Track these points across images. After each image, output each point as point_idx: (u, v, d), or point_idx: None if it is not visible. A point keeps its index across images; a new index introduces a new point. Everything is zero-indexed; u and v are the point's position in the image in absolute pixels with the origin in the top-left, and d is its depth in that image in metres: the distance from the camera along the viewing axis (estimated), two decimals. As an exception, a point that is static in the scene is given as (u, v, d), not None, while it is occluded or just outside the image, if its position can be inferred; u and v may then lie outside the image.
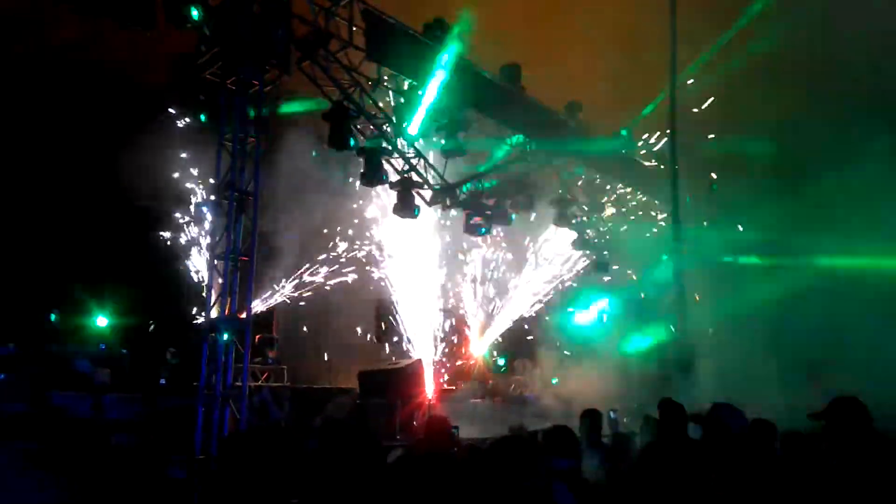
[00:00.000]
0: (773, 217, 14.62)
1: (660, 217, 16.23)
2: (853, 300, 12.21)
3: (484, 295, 17.42)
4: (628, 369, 14.70)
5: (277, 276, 14.58)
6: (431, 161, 12.11)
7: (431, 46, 10.99)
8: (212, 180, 10.02)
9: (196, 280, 13.69)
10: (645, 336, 15.48)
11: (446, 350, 16.61)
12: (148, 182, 13.14)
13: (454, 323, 16.98)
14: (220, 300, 9.15)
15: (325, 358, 15.62)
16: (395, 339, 16.08)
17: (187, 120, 12.47)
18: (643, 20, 14.70)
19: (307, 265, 15.11)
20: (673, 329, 12.32)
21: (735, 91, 14.80)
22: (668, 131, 12.76)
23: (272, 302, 14.52)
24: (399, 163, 11.45)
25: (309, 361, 15.21)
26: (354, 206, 15.12)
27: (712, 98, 13.57)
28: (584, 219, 14.82)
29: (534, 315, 17.53)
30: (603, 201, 15.55)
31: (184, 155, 13.42)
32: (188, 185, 13.87)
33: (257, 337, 12.70)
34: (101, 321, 13.33)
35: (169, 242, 13.81)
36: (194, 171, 13.77)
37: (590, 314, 17.96)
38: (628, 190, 16.13)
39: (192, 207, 13.87)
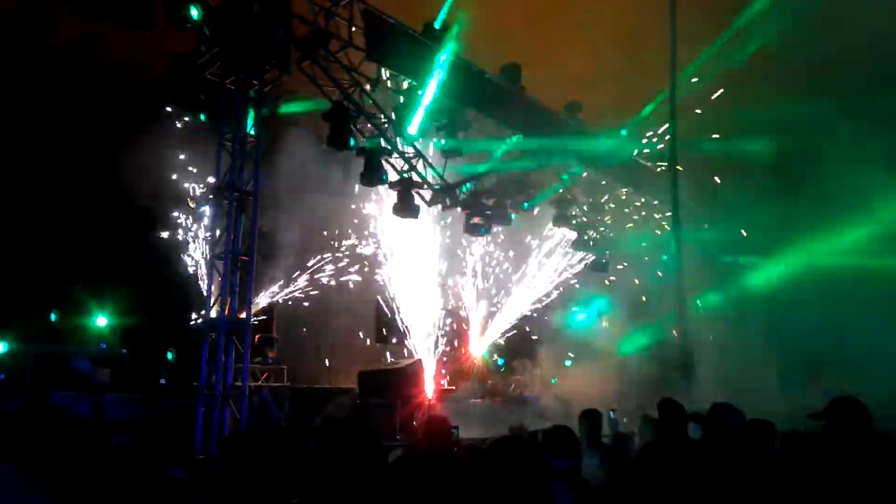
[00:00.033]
0: (773, 217, 14.62)
1: (660, 217, 16.22)
2: (853, 300, 12.21)
3: (484, 294, 17.42)
4: (628, 369, 14.71)
5: (277, 276, 14.57)
6: (431, 161, 12.11)
7: (431, 46, 10.99)
8: (212, 179, 10.01)
9: (196, 280, 13.69)
10: (643, 337, 15.50)
11: (446, 350, 16.61)
12: (148, 182, 13.14)
13: (454, 323, 16.98)
14: (220, 300, 9.15)
15: (325, 358, 15.63)
16: (395, 339, 16.09)
17: (187, 120, 12.46)
18: (643, 20, 14.70)
19: (307, 265, 15.11)
20: (673, 330, 12.31)
21: (735, 91, 14.79)
22: (667, 131, 12.76)
23: (272, 302, 14.52)
24: (399, 163, 11.45)
25: (309, 361, 15.21)
26: (354, 206, 15.12)
27: (721, 90, 13.52)
28: (584, 219, 14.82)
29: (534, 315, 17.53)
30: (603, 201, 15.55)
31: (183, 156, 13.41)
32: (188, 185, 13.86)
33: (257, 337, 12.70)
34: (101, 321, 13.33)
35: (169, 242, 13.80)
36: (194, 171, 13.76)
37: (589, 314, 17.96)
38: (628, 190, 16.13)
39: (192, 207, 13.86)
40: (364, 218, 15.40)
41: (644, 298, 15.97)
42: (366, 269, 15.65)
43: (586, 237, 14.94)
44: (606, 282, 16.60)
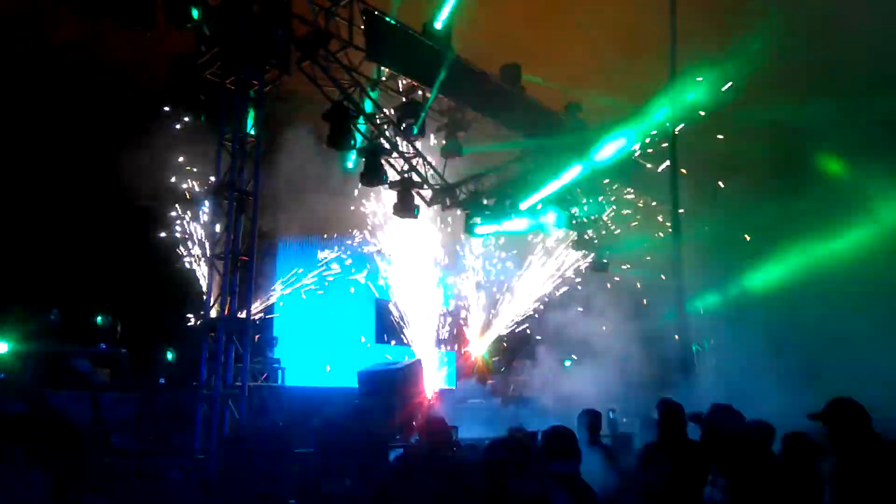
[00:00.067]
0: (774, 217, 14.61)
1: (660, 217, 16.23)
2: (853, 300, 12.20)
3: (485, 294, 17.43)
4: (628, 369, 14.70)
5: (277, 276, 14.59)
6: (431, 161, 12.11)
7: (431, 46, 10.99)
8: (212, 179, 10.01)
9: (196, 280, 13.69)
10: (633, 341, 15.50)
11: (446, 350, 16.62)
12: (148, 181, 13.16)
13: (454, 323, 16.99)
14: (220, 300, 9.15)
15: (325, 358, 15.63)
16: (395, 339, 16.10)
17: (187, 120, 12.47)
18: (643, 20, 14.70)
19: (306, 265, 15.12)
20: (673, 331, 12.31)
21: (734, 91, 14.79)
22: (667, 131, 12.76)
23: (272, 301, 14.53)
24: (399, 163, 11.46)
25: (309, 362, 15.22)
26: (354, 206, 15.13)
27: (730, 83, 13.48)
28: (584, 219, 14.83)
29: (534, 315, 17.53)
30: (603, 201, 15.55)
31: (183, 156, 13.42)
32: (188, 184, 13.87)
33: (256, 337, 12.69)
34: (101, 321, 13.32)
35: (169, 242, 13.81)
36: (194, 171, 13.77)
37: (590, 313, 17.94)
38: (628, 190, 16.14)
39: (191, 207, 13.88)
40: (364, 217, 15.42)
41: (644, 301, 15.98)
42: (366, 269, 15.66)
43: (586, 237, 14.95)
44: (608, 285, 16.60)
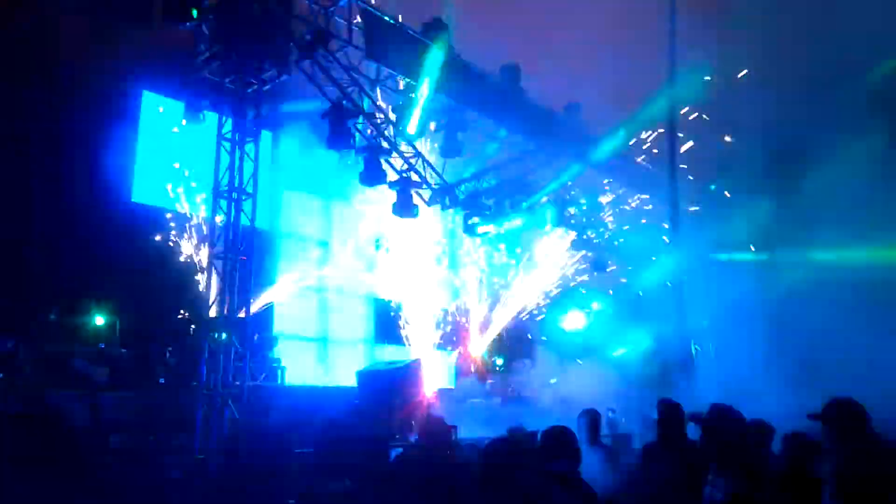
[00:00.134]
0: (773, 217, 14.63)
1: (659, 217, 16.23)
2: (852, 300, 12.21)
3: (485, 294, 17.42)
4: (627, 370, 14.70)
5: (276, 276, 14.57)
6: (431, 161, 12.11)
7: (430, 46, 10.99)
8: (212, 179, 9.99)
9: (195, 279, 13.66)
10: (632, 341, 15.52)
11: (446, 349, 16.61)
12: (148, 181, 13.14)
13: (454, 322, 16.98)
14: (220, 300, 9.15)
15: (325, 358, 15.62)
16: (395, 339, 16.08)
17: (186, 119, 12.44)
18: (643, 20, 14.70)
19: (306, 264, 15.10)
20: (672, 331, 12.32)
21: (734, 91, 14.82)
22: (666, 130, 12.78)
23: (271, 301, 14.51)
24: (398, 162, 11.45)
25: (308, 361, 15.20)
26: (353, 205, 15.11)
27: (745, 71, 13.50)
28: (584, 219, 14.84)
29: (534, 315, 17.52)
30: (602, 201, 15.56)
31: (182, 155, 13.39)
32: (187, 184, 13.84)
33: (256, 336, 12.67)
34: (100, 320, 13.30)
35: (169, 242, 13.78)
36: (194, 171, 13.73)
37: (581, 317, 17.93)
38: (627, 190, 16.14)
39: (191, 207, 13.85)
40: (364, 217, 15.39)
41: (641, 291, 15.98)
42: (366, 268, 15.65)
43: (586, 237, 14.96)
44: (610, 291, 16.62)
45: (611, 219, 15.80)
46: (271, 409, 11.11)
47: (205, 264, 11.57)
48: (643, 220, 16.09)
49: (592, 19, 15.88)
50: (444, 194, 12.24)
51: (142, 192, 13.22)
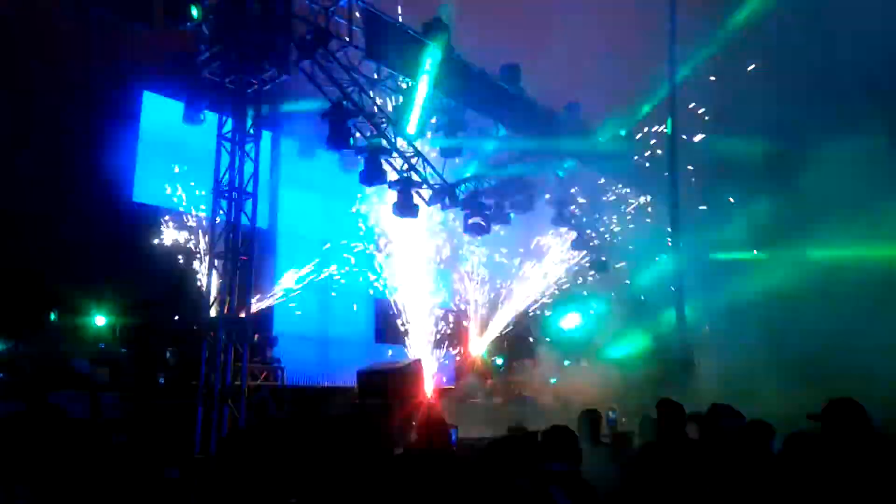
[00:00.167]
0: (773, 216, 14.62)
1: (659, 217, 16.22)
2: (852, 300, 12.21)
3: (485, 293, 17.41)
4: (628, 369, 14.70)
5: (276, 275, 14.56)
6: (431, 161, 12.10)
7: (430, 46, 10.98)
8: (212, 179, 9.99)
9: (195, 279, 13.66)
10: (632, 341, 15.51)
11: (446, 349, 16.60)
12: (148, 181, 13.13)
13: (454, 322, 16.97)
14: (220, 300, 9.15)
15: (325, 358, 15.60)
16: (395, 339, 16.07)
17: (185, 119, 12.43)
18: (643, 19, 14.71)
19: (306, 264, 15.09)
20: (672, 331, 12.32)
21: (734, 91, 14.82)
22: (667, 130, 12.78)
23: (271, 301, 14.50)
24: (398, 162, 11.44)
25: (309, 361, 15.20)
26: (354, 205, 15.11)
27: (753, 65, 13.48)
28: (584, 219, 14.85)
29: (535, 315, 17.52)
30: (602, 201, 15.56)
31: (182, 155, 13.38)
32: (188, 183, 13.83)
33: (256, 336, 12.66)
34: (100, 320, 13.31)
35: (168, 242, 13.77)
36: (193, 170, 13.72)
37: (578, 318, 17.93)
38: (627, 190, 16.13)
39: (191, 207, 13.84)
40: (364, 217, 15.39)
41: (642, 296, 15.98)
42: (366, 268, 15.64)
43: (586, 237, 14.96)
44: (612, 294, 16.60)
45: (615, 219, 15.80)
46: (271, 409, 11.12)
47: (205, 264, 11.56)
48: (646, 221, 16.10)
49: (592, 19, 15.87)
50: (444, 194, 12.23)
51: (142, 191, 13.20)
